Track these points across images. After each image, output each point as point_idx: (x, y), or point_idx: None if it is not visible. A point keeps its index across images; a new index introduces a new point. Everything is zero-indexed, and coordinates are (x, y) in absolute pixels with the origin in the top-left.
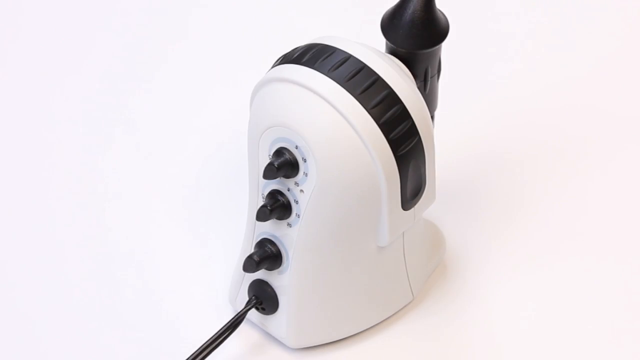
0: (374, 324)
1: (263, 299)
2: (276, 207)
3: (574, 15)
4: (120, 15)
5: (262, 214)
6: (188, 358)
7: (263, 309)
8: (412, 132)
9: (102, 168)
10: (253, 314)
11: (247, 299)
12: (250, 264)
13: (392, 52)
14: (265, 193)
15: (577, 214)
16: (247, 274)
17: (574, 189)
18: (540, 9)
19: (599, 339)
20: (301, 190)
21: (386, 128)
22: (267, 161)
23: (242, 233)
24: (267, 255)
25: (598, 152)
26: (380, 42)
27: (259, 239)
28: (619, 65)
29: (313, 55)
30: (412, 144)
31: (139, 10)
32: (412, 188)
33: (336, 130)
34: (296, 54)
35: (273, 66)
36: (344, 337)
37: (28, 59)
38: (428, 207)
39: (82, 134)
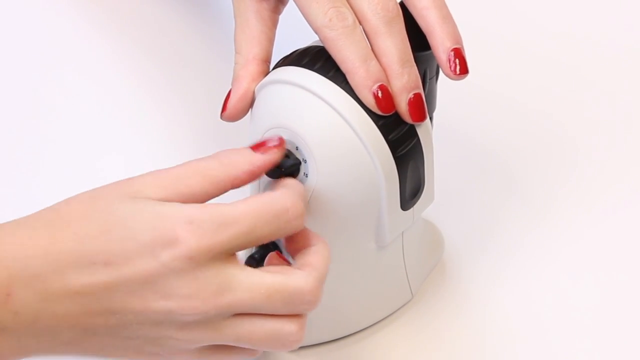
0: (373, 322)
1: None
2: None
3: (573, 14)
4: (120, 16)
5: None
6: None
7: None
8: (410, 133)
9: (103, 168)
10: None
11: None
12: (251, 264)
13: None
14: None
15: (577, 213)
16: None
17: (573, 188)
18: (539, 9)
19: (598, 338)
20: None
21: (385, 129)
22: None
23: None
24: (267, 254)
25: (598, 151)
26: None
27: None
28: (618, 64)
29: (313, 58)
30: (410, 144)
31: (137, 11)
32: (411, 188)
33: (336, 131)
34: (296, 56)
35: (273, 68)
36: (343, 335)
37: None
38: (427, 207)
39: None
